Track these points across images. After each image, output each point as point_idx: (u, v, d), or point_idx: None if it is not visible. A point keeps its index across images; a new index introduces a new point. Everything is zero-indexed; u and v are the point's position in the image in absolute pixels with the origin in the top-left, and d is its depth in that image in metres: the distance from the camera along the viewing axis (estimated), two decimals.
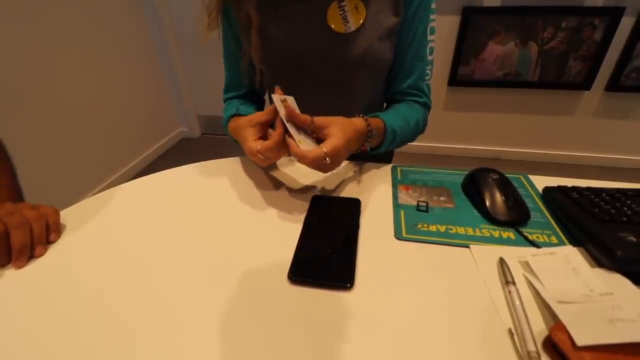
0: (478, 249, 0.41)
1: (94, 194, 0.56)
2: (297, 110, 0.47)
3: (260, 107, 0.76)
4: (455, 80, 1.91)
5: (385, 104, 0.74)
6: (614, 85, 1.76)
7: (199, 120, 2.54)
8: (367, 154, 0.57)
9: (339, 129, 0.47)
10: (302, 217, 0.48)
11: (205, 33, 0.61)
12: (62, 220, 0.48)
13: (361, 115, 0.54)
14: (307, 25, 0.60)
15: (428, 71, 0.65)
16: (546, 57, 1.75)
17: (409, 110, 0.65)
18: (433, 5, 0.60)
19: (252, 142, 0.48)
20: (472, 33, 1.76)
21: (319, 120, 0.47)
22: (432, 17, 0.61)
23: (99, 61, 1.80)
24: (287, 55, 0.62)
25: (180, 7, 2.10)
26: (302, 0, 0.59)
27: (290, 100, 0.48)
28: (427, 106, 0.69)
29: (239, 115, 0.63)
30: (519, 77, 1.83)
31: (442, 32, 1.80)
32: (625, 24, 1.62)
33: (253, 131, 0.49)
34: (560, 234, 0.44)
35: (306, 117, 0.47)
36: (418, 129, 0.66)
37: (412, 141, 0.67)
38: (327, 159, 0.44)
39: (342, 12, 0.59)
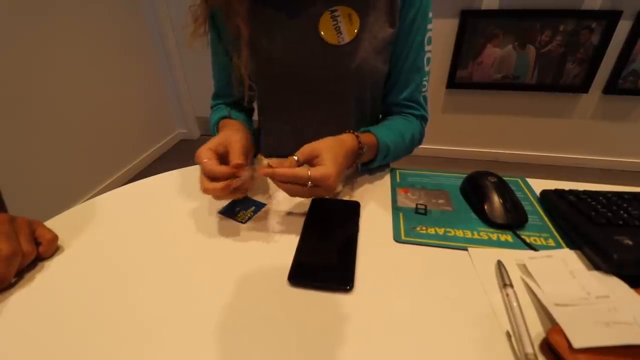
0: (476, 252, 0.42)
1: (92, 197, 0.56)
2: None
3: (248, 115, 0.75)
4: (453, 83, 1.92)
5: (380, 116, 0.72)
6: (612, 88, 1.78)
7: (198, 121, 2.54)
8: (358, 170, 0.56)
9: (330, 155, 0.45)
10: (302, 219, 0.48)
11: (190, 39, 0.59)
12: (58, 225, 0.48)
13: (351, 131, 0.52)
14: (299, 36, 0.58)
15: (425, 82, 0.63)
16: (544, 60, 1.76)
17: (404, 123, 0.63)
18: (430, 15, 0.59)
19: (208, 152, 0.45)
20: (471, 36, 1.77)
21: (305, 151, 0.46)
22: (429, 26, 0.59)
23: (98, 63, 1.80)
24: (279, 68, 0.60)
25: (179, 9, 2.11)
26: (294, 11, 0.57)
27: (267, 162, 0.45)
28: (424, 119, 0.67)
29: (232, 118, 0.63)
30: (517, 80, 1.84)
31: (440, 35, 1.81)
32: (623, 28, 1.63)
33: (238, 150, 0.46)
34: (558, 237, 0.44)
35: (291, 160, 0.45)
36: (413, 143, 0.65)
37: (407, 155, 0.65)
38: (310, 182, 0.43)
39: (335, 22, 0.57)
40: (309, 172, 0.43)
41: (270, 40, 0.59)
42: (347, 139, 0.50)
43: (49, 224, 0.48)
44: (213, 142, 0.47)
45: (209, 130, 0.66)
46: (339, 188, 0.55)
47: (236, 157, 0.45)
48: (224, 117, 0.65)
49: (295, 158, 0.45)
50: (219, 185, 0.42)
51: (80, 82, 1.71)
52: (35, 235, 0.43)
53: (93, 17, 1.74)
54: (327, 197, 0.47)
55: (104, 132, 1.89)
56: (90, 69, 1.75)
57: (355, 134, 0.51)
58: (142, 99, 2.16)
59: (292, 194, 0.45)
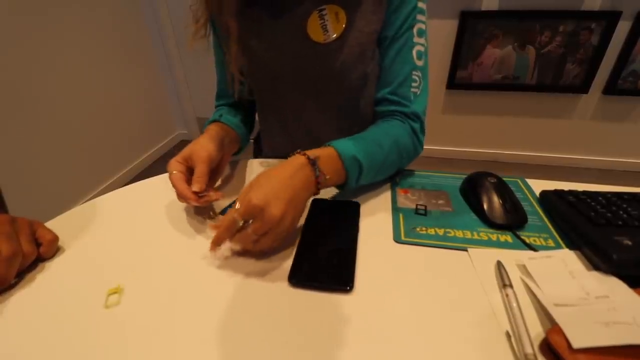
0: (476, 252, 0.42)
1: (92, 198, 0.56)
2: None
3: (248, 115, 0.73)
4: (453, 83, 1.92)
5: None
6: (611, 88, 1.78)
7: (198, 122, 2.54)
8: (344, 189, 0.52)
9: (255, 182, 0.41)
10: (302, 220, 0.48)
11: (191, 40, 0.59)
12: (58, 225, 0.48)
13: (299, 151, 0.46)
14: (287, 36, 0.58)
15: (416, 77, 0.57)
16: (544, 60, 1.77)
17: (384, 128, 0.56)
18: (421, 5, 0.55)
19: (177, 165, 0.49)
20: (470, 37, 1.78)
21: (241, 196, 0.41)
22: (419, 17, 0.55)
23: (98, 63, 1.80)
24: (265, 67, 0.60)
25: (180, 9, 2.11)
26: (282, 11, 0.57)
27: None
28: (415, 117, 0.58)
29: (220, 122, 0.63)
30: (517, 80, 1.85)
31: (440, 36, 1.81)
32: (622, 28, 1.64)
33: (199, 170, 0.48)
34: (557, 237, 0.44)
35: (230, 211, 0.41)
36: (400, 150, 0.55)
37: (401, 166, 0.58)
38: (241, 220, 0.39)
39: (322, 21, 0.56)
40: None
41: (260, 40, 0.59)
42: (288, 160, 0.45)
43: (49, 224, 0.48)
44: (182, 154, 0.50)
45: None
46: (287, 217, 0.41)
47: (196, 179, 0.47)
48: (214, 121, 0.65)
49: (237, 205, 0.41)
50: (183, 201, 0.48)
51: (81, 82, 1.71)
52: (35, 236, 0.43)
53: (93, 17, 1.74)
54: (281, 234, 0.40)
55: (104, 133, 1.89)
56: (91, 69, 1.76)
57: (302, 151, 0.46)
58: (142, 99, 2.16)
59: (258, 246, 0.41)
